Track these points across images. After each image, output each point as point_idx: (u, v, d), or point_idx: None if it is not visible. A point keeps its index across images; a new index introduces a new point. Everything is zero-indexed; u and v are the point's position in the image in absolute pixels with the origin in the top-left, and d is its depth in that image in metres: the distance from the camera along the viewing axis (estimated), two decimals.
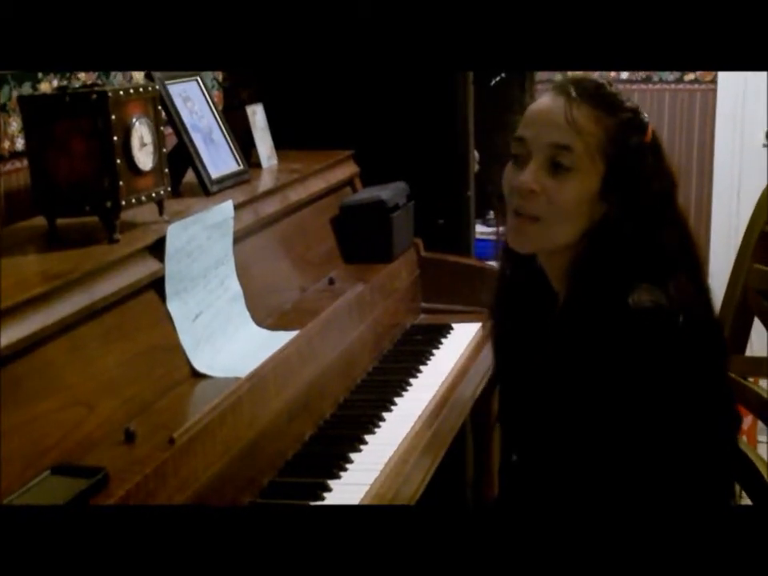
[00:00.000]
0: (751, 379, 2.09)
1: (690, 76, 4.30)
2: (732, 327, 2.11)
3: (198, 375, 1.89)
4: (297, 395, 1.97)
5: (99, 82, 2.32)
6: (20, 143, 2.10)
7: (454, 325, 2.73)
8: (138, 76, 2.44)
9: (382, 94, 2.98)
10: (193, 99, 2.40)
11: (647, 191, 1.56)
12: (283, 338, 2.04)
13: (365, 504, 1.75)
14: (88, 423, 1.59)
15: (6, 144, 2.10)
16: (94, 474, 1.43)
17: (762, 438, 3.92)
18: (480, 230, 3.25)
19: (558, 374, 1.56)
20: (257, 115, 2.73)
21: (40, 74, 2.16)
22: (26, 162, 1.99)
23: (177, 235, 1.91)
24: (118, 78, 2.41)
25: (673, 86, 4.30)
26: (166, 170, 2.02)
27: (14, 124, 2.11)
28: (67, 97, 1.85)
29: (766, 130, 4.15)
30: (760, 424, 3.80)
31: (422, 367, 2.43)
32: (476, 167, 3.15)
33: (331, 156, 2.83)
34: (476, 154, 3.13)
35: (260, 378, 1.85)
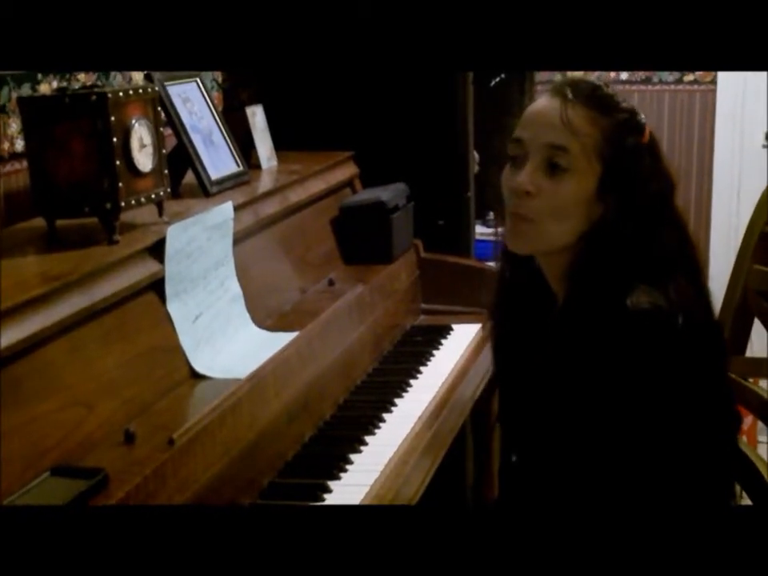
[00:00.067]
0: (751, 380, 2.09)
1: (690, 77, 4.30)
2: (732, 328, 2.11)
3: (197, 376, 1.89)
4: (296, 396, 1.97)
5: (99, 83, 2.33)
6: (19, 144, 2.10)
7: (453, 326, 2.73)
8: (138, 77, 2.44)
9: (381, 95, 2.98)
10: (192, 100, 2.40)
11: (644, 192, 1.56)
12: (283, 339, 2.04)
13: (365, 503, 1.75)
14: (88, 424, 1.59)
15: (6, 145, 2.10)
16: (94, 475, 1.43)
17: (761, 438, 3.92)
18: (480, 230, 3.25)
19: (557, 376, 1.56)
20: (256, 116, 2.74)
21: (39, 75, 2.16)
22: (25, 164, 1.99)
23: (176, 236, 1.91)
24: (117, 80, 2.41)
25: (672, 86, 4.30)
26: (166, 171, 2.02)
27: (14, 125, 2.11)
28: (67, 98, 1.85)
29: (765, 130, 4.15)
30: (760, 424, 3.80)
31: (421, 368, 2.43)
32: (476, 168, 3.15)
33: (331, 157, 2.83)
34: (476, 154, 3.13)
35: (260, 379, 1.85)
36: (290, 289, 2.39)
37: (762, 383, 2.18)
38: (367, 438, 2.01)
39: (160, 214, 2.02)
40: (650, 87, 4.32)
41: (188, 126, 2.33)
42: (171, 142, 2.31)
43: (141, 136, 1.92)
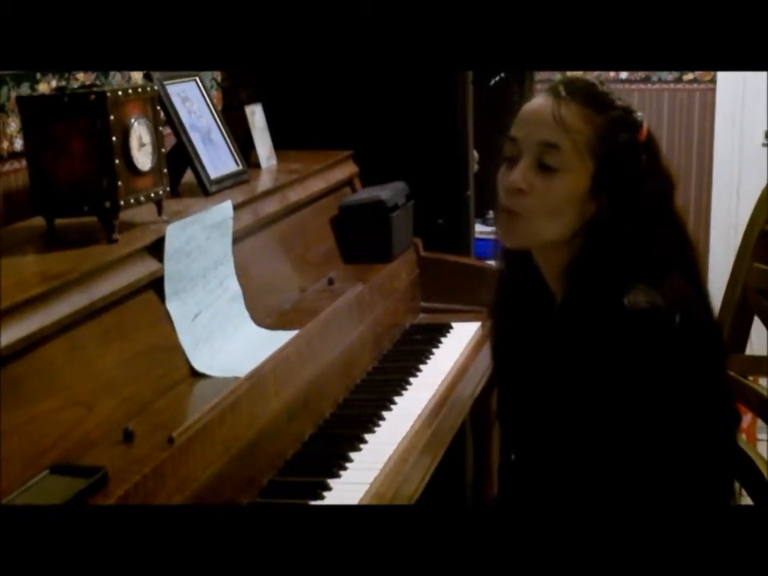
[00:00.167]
0: (751, 378, 2.09)
1: (689, 76, 4.30)
2: (732, 326, 2.11)
3: (197, 375, 1.89)
4: (296, 395, 1.97)
5: (98, 82, 2.33)
6: (19, 144, 2.10)
7: (453, 324, 2.73)
8: (137, 76, 2.44)
9: (381, 94, 2.98)
10: (192, 99, 2.40)
11: (640, 190, 1.56)
12: (282, 337, 2.04)
13: (365, 502, 1.75)
14: (87, 423, 1.59)
15: (5, 144, 2.10)
16: (93, 474, 1.43)
17: (761, 435, 3.92)
18: (479, 229, 3.25)
19: (556, 375, 1.56)
20: (256, 115, 2.73)
21: (38, 75, 2.16)
22: (24, 163, 1.99)
23: (176, 235, 1.91)
24: (116, 79, 2.41)
25: (672, 85, 4.30)
26: (165, 170, 2.02)
27: (13, 124, 2.11)
28: (66, 97, 1.85)
29: (765, 129, 4.15)
30: (759, 422, 3.80)
31: (421, 366, 2.43)
32: (475, 167, 3.15)
33: (330, 156, 2.83)
34: (475, 153, 3.13)
35: (259, 377, 1.85)
36: (289, 288, 2.39)
37: (762, 381, 2.18)
38: (367, 437, 2.01)
39: (159, 212, 2.02)
40: (649, 86, 4.32)
41: (187, 125, 2.33)
42: (170, 141, 2.31)
43: (140, 135, 1.92)
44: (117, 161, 1.86)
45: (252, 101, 2.79)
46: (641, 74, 4.34)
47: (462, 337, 2.64)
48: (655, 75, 4.33)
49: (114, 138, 1.85)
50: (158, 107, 2.02)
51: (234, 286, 2.11)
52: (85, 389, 1.62)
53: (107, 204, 1.86)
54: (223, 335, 2.03)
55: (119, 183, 1.86)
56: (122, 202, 1.87)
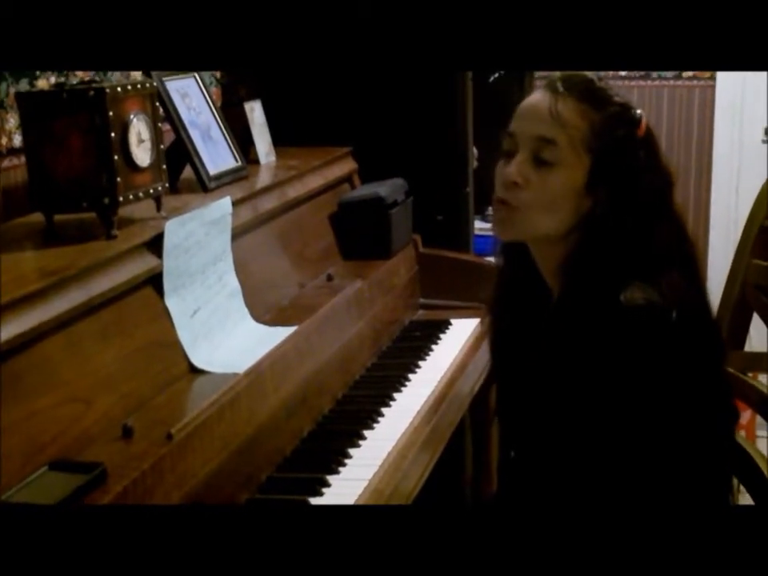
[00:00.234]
0: (750, 374, 2.09)
1: (689, 73, 4.30)
2: (731, 322, 2.11)
3: (196, 371, 1.89)
4: (295, 391, 1.97)
5: (97, 78, 2.32)
6: (17, 140, 2.10)
7: (452, 320, 2.73)
8: (136, 73, 2.43)
9: (380, 91, 2.97)
10: (191, 96, 2.40)
11: (637, 186, 1.56)
12: (281, 333, 2.04)
13: (364, 498, 1.75)
14: (86, 419, 1.59)
15: (4, 140, 2.10)
16: (92, 470, 1.43)
17: (760, 432, 3.91)
18: (479, 226, 3.25)
19: (553, 371, 1.56)
20: (255, 112, 2.73)
21: (37, 71, 2.16)
22: (23, 159, 1.99)
23: (175, 231, 1.91)
24: (115, 75, 2.41)
25: (671, 82, 4.30)
26: (164, 167, 2.02)
27: (12, 120, 2.11)
28: (65, 93, 1.85)
29: (764, 126, 4.15)
30: (759, 419, 3.80)
31: (420, 363, 2.43)
32: (474, 163, 3.15)
33: (329, 152, 2.82)
34: (474, 150, 3.13)
35: (258, 373, 1.85)
36: (288, 284, 2.39)
37: (761, 378, 2.18)
38: (366, 433, 2.01)
39: (158, 209, 2.02)
40: (649, 83, 4.32)
41: (186, 122, 2.33)
42: (169, 137, 2.31)
43: (139, 131, 1.92)
44: (116, 157, 1.85)
45: (251, 97, 2.79)
46: (640, 71, 4.34)
47: (461, 333, 2.64)
48: (655, 72, 4.33)
49: (112, 134, 1.85)
50: (157, 103, 2.02)
51: (232, 282, 2.11)
52: (83, 385, 1.61)
53: (106, 200, 1.86)
54: (222, 331, 2.03)
55: (118, 179, 1.86)
56: (120, 198, 1.87)
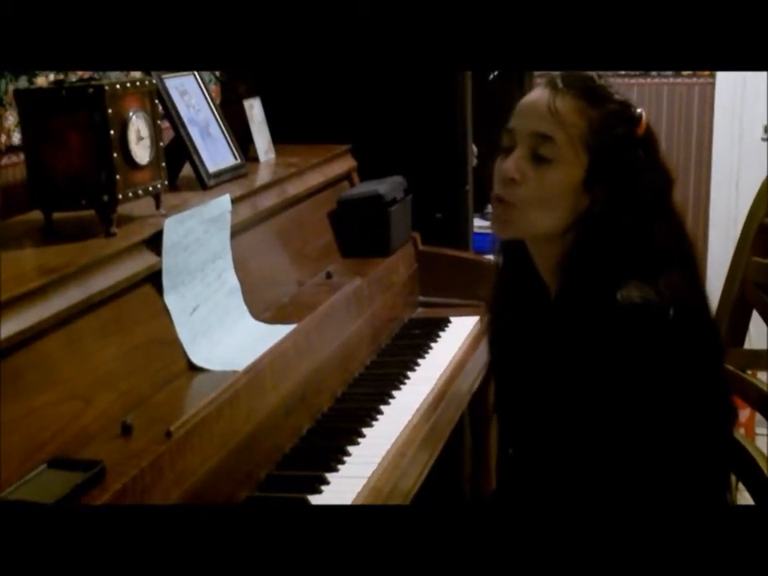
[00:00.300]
0: (750, 372, 2.08)
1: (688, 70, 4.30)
2: (730, 320, 2.11)
3: (195, 368, 1.89)
4: (294, 389, 1.97)
5: (96, 75, 2.32)
6: (17, 137, 2.10)
7: (451, 318, 2.73)
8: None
9: (379, 88, 2.97)
10: (190, 93, 2.40)
11: (635, 185, 1.56)
12: (280, 331, 2.03)
13: (363, 496, 1.75)
14: (85, 417, 1.58)
15: (3, 138, 2.10)
16: (91, 468, 1.43)
17: (760, 430, 3.92)
18: (478, 223, 3.25)
19: (551, 369, 1.56)
20: (254, 109, 2.73)
21: None
22: (22, 156, 1.99)
23: (174, 229, 1.91)
24: (114, 73, 2.41)
25: (671, 80, 4.30)
26: (163, 164, 2.02)
27: (11, 118, 2.11)
28: (64, 91, 1.85)
29: (764, 123, 4.15)
30: (758, 416, 3.80)
31: (419, 361, 2.43)
32: (474, 161, 3.15)
33: (329, 150, 2.82)
34: (474, 148, 3.13)
35: (257, 371, 1.84)
36: (287, 281, 2.39)
37: (761, 375, 2.18)
38: (365, 431, 2.01)
39: (157, 206, 2.02)
40: (648, 80, 4.31)
41: (185, 119, 2.33)
42: (169, 134, 2.31)
43: (138, 128, 1.92)
44: (115, 154, 1.85)
45: (250, 95, 2.79)
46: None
47: (460, 331, 2.64)
48: None
49: (111, 132, 1.85)
50: (157, 101, 2.02)
51: (232, 279, 2.11)
52: (83, 382, 1.61)
53: (105, 198, 1.86)
54: (221, 329, 2.03)
55: (117, 177, 1.86)
56: (120, 196, 1.87)
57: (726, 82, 4.19)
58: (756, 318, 2.09)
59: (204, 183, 2.30)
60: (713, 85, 4.24)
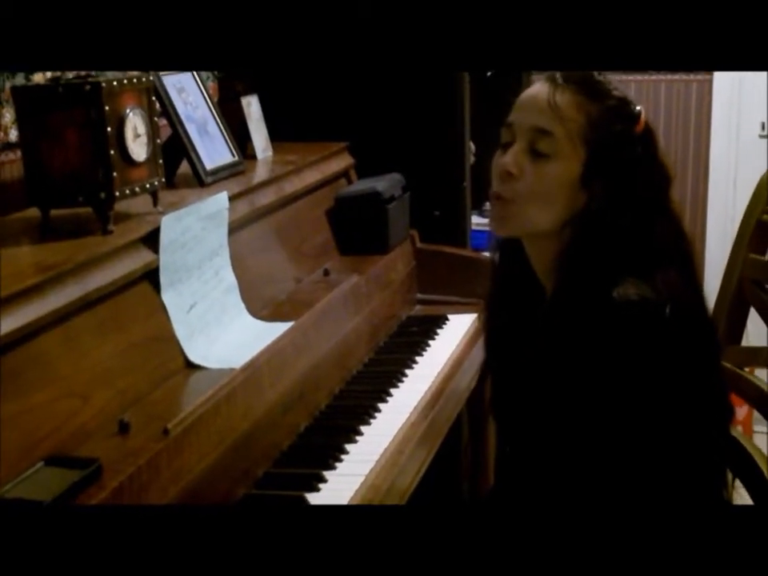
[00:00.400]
0: (747, 369, 2.08)
1: None
2: (728, 317, 2.10)
3: (192, 366, 1.88)
4: (292, 386, 1.97)
5: (93, 72, 2.31)
6: (13, 134, 2.10)
7: (449, 316, 2.73)
8: None
9: (377, 86, 2.97)
10: (187, 90, 2.40)
11: (633, 182, 1.55)
12: (278, 329, 2.03)
13: (361, 493, 1.75)
14: (82, 414, 1.58)
15: (0, 135, 2.09)
16: (88, 465, 1.43)
17: (757, 428, 3.92)
18: (476, 221, 3.25)
19: (547, 366, 1.56)
20: (252, 106, 2.73)
21: None
22: (19, 154, 1.99)
23: (171, 226, 1.91)
24: None
25: (669, 76, 4.30)
26: (161, 161, 2.02)
27: (8, 115, 2.10)
28: (60, 87, 1.85)
29: (762, 120, 4.15)
30: (756, 414, 3.80)
31: (417, 358, 2.43)
32: (472, 158, 3.14)
33: (326, 148, 2.82)
34: (472, 145, 3.13)
35: (255, 369, 1.84)
36: (285, 279, 2.39)
37: (758, 373, 2.18)
38: (363, 428, 2.01)
39: (155, 203, 2.02)
40: (646, 77, 4.31)
41: (183, 116, 2.33)
42: (166, 132, 2.30)
43: (135, 125, 1.92)
44: (112, 151, 1.85)
45: (248, 92, 2.79)
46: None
47: (458, 329, 2.64)
48: None
49: (108, 129, 1.84)
50: (154, 98, 2.02)
51: (229, 277, 2.11)
52: (80, 380, 1.61)
53: (102, 195, 1.85)
54: (219, 326, 2.03)
55: (114, 174, 1.86)
56: (117, 193, 1.86)
57: (724, 79, 4.19)
58: (754, 315, 2.09)
59: (201, 180, 2.29)
60: (710, 82, 4.24)
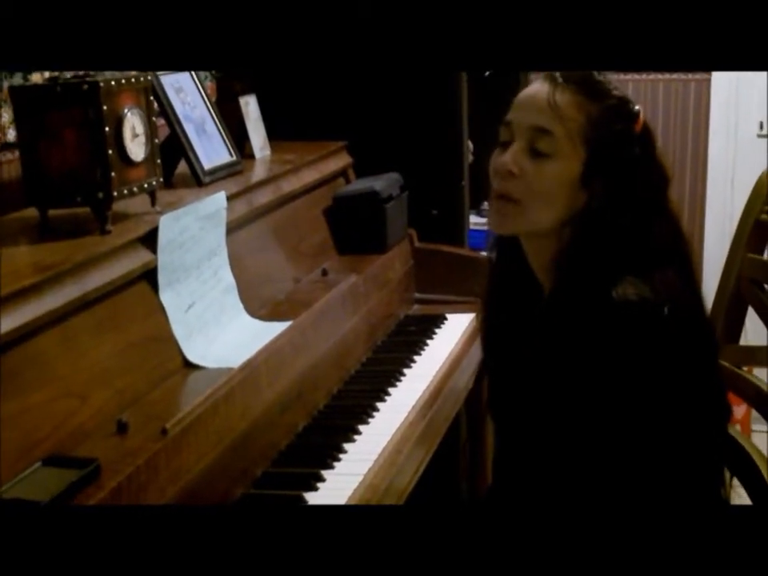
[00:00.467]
0: (745, 368, 2.08)
1: None
2: (726, 316, 2.10)
3: (190, 366, 1.88)
4: (290, 386, 1.97)
5: (91, 72, 2.31)
6: (11, 134, 2.10)
7: (447, 315, 2.73)
8: None
9: (375, 85, 2.97)
10: (185, 90, 2.39)
11: (632, 181, 1.56)
12: (276, 328, 2.03)
13: (359, 493, 1.75)
14: (80, 414, 1.58)
15: None
16: (86, 465, 1.43)
17: (755, 427, 3.92)
18: (474, 220, 3.25)
19: (545, 366, 1.56)
20: (250, 106, 2.73)
21: None
22: (17, 153, 1.99)
23: (169, 226, 1.91)
24: None
25: (667, 76, 4.30)
26: (159, 161, 2.02)
27: (6, 115, 2.10)
28: (58, 87, 1.84)
29: (760, 120, 4.15)
30: (754, 413, 3.80)
31: (415, 357, 2.43)
32: (470, 158, 3.14)
33: (324, 147, 2.82)
34: (470, 144, 3.13)
35: (253, 368, 1.84)
36: (283, 279, 2.39)
37: (757, 372, 2.18)
38: (361, 428, 2.01)
39: (153, 203, 2.02)
40: (644, 76, 4.31)
41: (181, 116, 2.32)
42: (164, 131, 2.30)
43: (133, 125, 1.91)
44: (110, 151, 1.85)
45: (246, 92, 2.79)
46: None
47: (456, 328, 2.64)
48: None
49: (106, 129, 1.84)
50: (152, 98, 2.01)
51: (227, 276, 2.11)
52: (78, 380, 1.61)
53: (100, 195, 1.85)
54: (217, 326, 2.02)
55: (112, 174, 1.85)
56: (115, 193, 1.86)
57: (722, 78, 4.19)
58: (752, 314, 2.09)
59: (199, 180, 2.29)
60: (708, 81, 4.24)
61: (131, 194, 1.92)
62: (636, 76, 4.29)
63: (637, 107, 1.60)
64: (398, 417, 2.07)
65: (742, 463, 1.90)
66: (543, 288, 1.64)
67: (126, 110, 1.89)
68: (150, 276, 1.87)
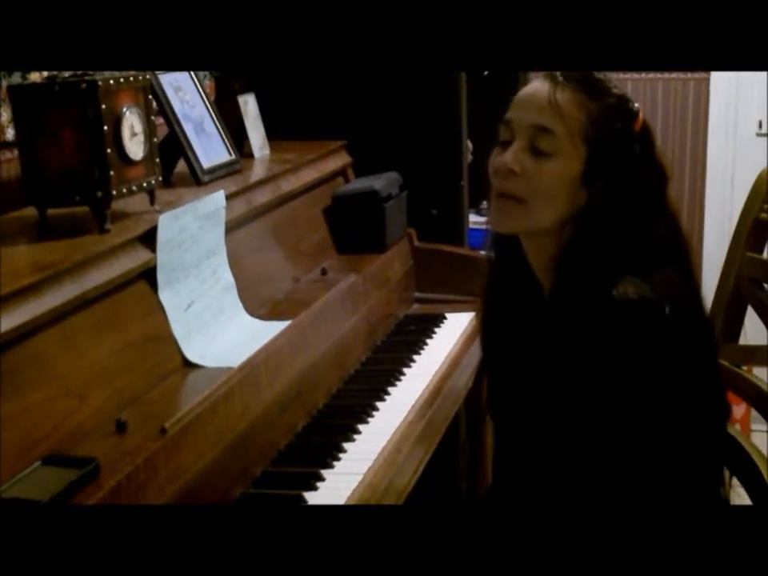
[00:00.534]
0: (745, 368, 2.08)
1: None
2: (725, 315, 2.10)
3: (189, 365, 1.88)
4: (289, 385, 1.97)
5: (89, 71, 2.31)
6: (10, 133, 2.09)
7: (447, 314, 2.73)
8: None
9: (374, 84, 2.97)
10: (184, 89, 2.39)
11: (632, 180, 1.56)
12: (275, 328, 2.03)
13: (358, 492, 1.74)
14: (79, 413, 1.58)
15: None
16: (85, 465, 1.43)
17: (754, 426, 3.92)
18: (473, 219, 3.25)
19: (545, 365, 1.55)
20: (249, 105, 2.73)
21: None
22: (16, 153, 1.98)
23: (168, 225, 1.91)
24: None
25: (666, 75, 4.30)
26: (157, 160, 2.01)
27: (4, 114, 2.10)
28: (57, 86, 1.84)
29: (759, 119, 4.15)
30: (753, 413, 3.80)
31: (415, 357, 2.42)
32: (469, 157, 3.14)
33: (323, 146, 2.82)
34: (469, 143, 3.13)
35: (252, 368, 1.84)
36: (282, 278, 2.39)
37: (756, 371, 2.18)
38: (360, 427, 2.00)
39: (151, 202, 2.02)
40: (643, 76, 4.31)
41: (180, 115, 2.32)
42: (163, 130, 2.30)
43: (132, 124, 1.91)
44: (108, 150, 1.85)
45: (245, 91, 2.78)
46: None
47: (455, 327, 2.64)
48: None
49: (105, 127, 1.84)
50: (150, 96, 2.01)
51: (226, 275, 2.11)
52: (77, 379, 1.61)
53: (99, 194, 1.85)
54: (216, 325, 2.02)
55: (111, 173, 1.85)
56: (113, 192, 1.86)
57: (721, 77, 4.19)
58: (751, 313, 2.09)
59: (198, 179, 2.29)
60: (707, 80, 4.24)
61: (130, 193, 1.92)
62: (635, 75, 4.29)
63: (636, 106, 1.60)
64: (397, 416, 2.07)
65: (742, 463, 1.90)
66: (543, 287, 1.64)
67: (124, 109, 1.89)
68: (149, 275, 1.87)
